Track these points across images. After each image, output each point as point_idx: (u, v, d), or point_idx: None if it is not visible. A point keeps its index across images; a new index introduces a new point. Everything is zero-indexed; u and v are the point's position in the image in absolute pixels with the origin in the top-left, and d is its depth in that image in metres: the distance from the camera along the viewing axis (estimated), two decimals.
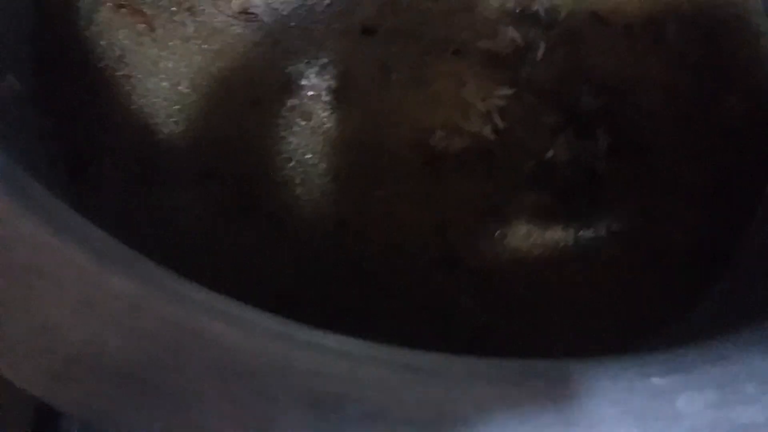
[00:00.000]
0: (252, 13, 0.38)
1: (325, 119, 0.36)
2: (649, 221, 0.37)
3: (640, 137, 0.38)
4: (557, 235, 0.35)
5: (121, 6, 0.37)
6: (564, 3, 0.40)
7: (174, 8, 0.37)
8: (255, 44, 0.37)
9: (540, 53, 0.39)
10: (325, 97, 0.37)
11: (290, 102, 0.37)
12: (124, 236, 0.21)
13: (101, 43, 0.37)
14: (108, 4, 0.37)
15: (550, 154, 0.37)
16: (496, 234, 0.35)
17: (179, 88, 0.36)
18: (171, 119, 0.36)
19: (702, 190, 0.37)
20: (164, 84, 0.36)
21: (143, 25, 0.37)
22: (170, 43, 0.37)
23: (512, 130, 0.37)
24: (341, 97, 0.37)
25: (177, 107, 0.36)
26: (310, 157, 0.36)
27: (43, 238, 0.20)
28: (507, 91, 0.38)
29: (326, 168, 0.35)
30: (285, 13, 0.38)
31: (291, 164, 0.35)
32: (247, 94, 0.37)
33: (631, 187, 0.37)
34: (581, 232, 0.35)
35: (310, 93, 0.37)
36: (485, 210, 0.35)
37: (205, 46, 0.37)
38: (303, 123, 0.36)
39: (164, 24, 0.37)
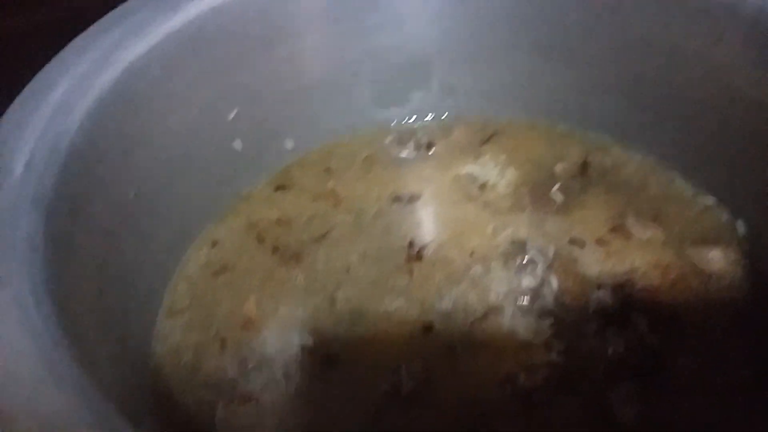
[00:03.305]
0: (333, 355, 0.46)
1: None
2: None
3: (664, 307, 0.46)
4: None
5: (232, 400, 0.44)
6: (546, 241, 0.51)
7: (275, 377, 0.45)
8: None
9: (554, 285, 0.48)
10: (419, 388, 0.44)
11: None
12: None
13: None
14: (221, 403, 0.44)
15: (610, 351, 0.44)
16: None
17: None
18: None
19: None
20: None
21: (257, 406, 0.44)
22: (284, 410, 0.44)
23: (571, 347, 0.45)
24: (429, 378, 0.44)
25: None
26: None
27: None
28: (548, 321, 0.46)
29: None
30: None
31: None
32: None
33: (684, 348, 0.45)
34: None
35: (404, 393, 0.44)
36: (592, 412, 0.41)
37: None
38: None
39: (269, 394, 0.44)
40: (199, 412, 0.45)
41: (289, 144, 0.59)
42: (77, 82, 0.43)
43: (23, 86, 0.42)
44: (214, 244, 0.55)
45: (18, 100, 0.41)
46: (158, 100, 0.47)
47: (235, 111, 0.54)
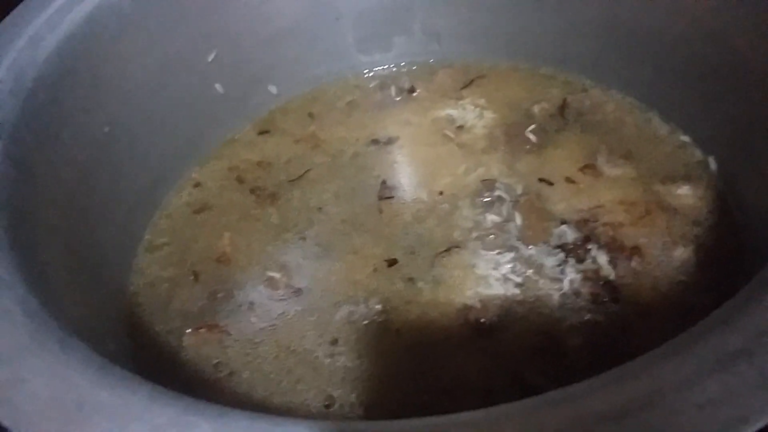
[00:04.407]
0: (298, 288, 0.47)
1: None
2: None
3: (625, 241, 0.46)
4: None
5: (200, 328, 0.46)
6: (516, 180, 0.51)
7: (241, 307, 0.47)
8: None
9: (518, 221, 0.48)
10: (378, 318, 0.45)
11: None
12: None
13: (195, 360, 0.45)
14: (188, 330, 0.46)
15: (566, 284, 0.44)
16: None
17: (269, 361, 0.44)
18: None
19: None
20: (259, 362, 0.44)
21: (223, 334, 0.46)
22: (248, 338, 0.45)
23: (529, 281, 0.45)
24: (388, 309, 0.45)
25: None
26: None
27: None
28: (509, 255, 0.46)
29: None
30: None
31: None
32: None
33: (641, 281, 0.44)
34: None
35: (365, 322, 0.45)
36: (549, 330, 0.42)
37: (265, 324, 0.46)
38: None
39: (236, 324, 0.46)
40: (168, 338, 0.47)
41: (273, 89, 0.61)
42: (49, 18, 0.44)
43: None
44: (197, 184, 0.56)
45: None
46: (132, 37, 0.49)
47: (214, 53, 0.55)
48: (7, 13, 0.45)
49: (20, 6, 0.45)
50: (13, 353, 0.27)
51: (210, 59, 0.55)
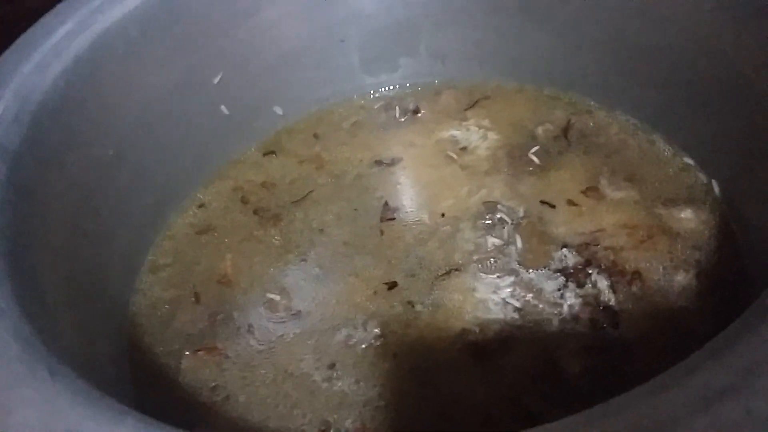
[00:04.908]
0: (297, 311, 0.47)
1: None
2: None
3: (626, 265, 0.46)
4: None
5: (199, 350, 0.46)
6: (518, 202, 0.51)
7: (240, 329, 0.47)
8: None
9: (519, 244, 0.48)
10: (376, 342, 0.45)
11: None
12: None
13: (192, 383, 0.45)
14: (187, 352, 0.46)
15: (565, 309, 0.44)
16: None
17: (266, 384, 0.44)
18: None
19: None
20: (257, 385, 0.44)
21: (221, 356, 0.46)
22: (246, 361, 0.46)
23: (528, 305, 0.45)
24: (387, 333, 0.45)
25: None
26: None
27: None
28: (509, 279, 0.46)
29: None
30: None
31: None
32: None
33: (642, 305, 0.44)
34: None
35: (363, 345, 0.45)
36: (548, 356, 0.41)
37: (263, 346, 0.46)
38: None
39: (235, 347, 0.46)
40: (168, 359, 0.47)
41: (278, 110, 0.61)
42: (56, 43, 0.45)
43: None
44: (201, 205, 0.57)
45: None
46: (137, 61, 0.50)
47: (219, 75, 0.56)
48: (14, 39, 0.46)
49: (27, 32, 0.46)
50: (3, 382, 0.28)
51: (216, 81, 0.55)
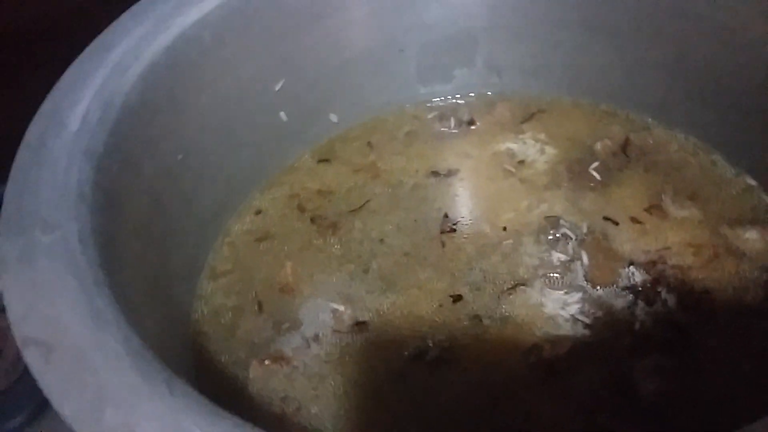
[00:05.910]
0: (363, 322, 0.48)
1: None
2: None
3: (695, 285, 0.46)
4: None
5: (265, 359, 0.46)
6: (580, 218, 0.51)
7: (306, 339, 0.47)
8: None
9: (585, 260, 0.48)
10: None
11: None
12: None
13: (262, 393, 0.45)
14: (254, 362, 0.46)
15: (637, 326, 0.44)
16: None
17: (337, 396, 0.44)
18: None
19: None
20: (328, 396, 0.44)
21: (289, 366, 0.46)
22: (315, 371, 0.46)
23: (599, 322, 0.45)
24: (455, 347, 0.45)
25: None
26: None
27: None
28: (577, 295, 0.47)
29: None
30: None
31: None
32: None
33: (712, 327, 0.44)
34: None
35: (431, 359, 0.45)
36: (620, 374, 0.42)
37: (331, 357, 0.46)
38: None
39: (302, 357, 0.46)
40: (234, 369, 0.47)
41: (333, 118, 0.61)
42: (133, 46, 0.45)
43: None
44: (258, 212, 0.57)
45: (78, 60, 0.43)
46: (208, 67, 0.50)
47: (281, 82, 0.56)
48: (91, 39, 0.46)
49: (103, 33, 0.46)
50: (124, 396, 0.28)
51: (277, 88, 0.55)
